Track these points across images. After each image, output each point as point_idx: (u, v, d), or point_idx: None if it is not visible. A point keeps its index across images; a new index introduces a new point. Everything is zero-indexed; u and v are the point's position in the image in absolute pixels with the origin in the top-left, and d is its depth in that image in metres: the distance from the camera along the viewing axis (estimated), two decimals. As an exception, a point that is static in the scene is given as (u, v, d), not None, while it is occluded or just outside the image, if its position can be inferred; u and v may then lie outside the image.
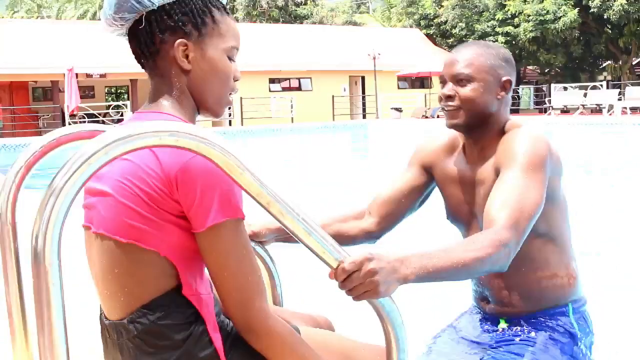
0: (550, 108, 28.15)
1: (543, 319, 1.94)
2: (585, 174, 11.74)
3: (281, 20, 42.25)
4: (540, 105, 32.39)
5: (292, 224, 1.24)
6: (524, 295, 1.93)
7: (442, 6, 35.28)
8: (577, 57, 34.34)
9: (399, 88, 33.34)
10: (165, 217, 1.26)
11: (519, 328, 1.95)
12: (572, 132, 21.79)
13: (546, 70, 36.40)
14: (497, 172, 1.81)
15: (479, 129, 1.89)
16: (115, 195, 1.29)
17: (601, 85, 28.56)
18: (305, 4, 43.18)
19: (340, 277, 1.24)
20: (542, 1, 31.72)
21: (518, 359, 1.87)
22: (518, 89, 35.14)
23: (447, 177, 2.02)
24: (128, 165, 1.27)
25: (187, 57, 1.38)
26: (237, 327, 1.30)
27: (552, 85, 30.34)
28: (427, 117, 29.12)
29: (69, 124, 22.58)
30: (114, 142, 1.09)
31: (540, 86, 35.75)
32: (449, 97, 1.87)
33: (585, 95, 27.15)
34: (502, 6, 33.32)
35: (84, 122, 23.78)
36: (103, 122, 22.49)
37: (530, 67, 37.89)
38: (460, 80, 1.85)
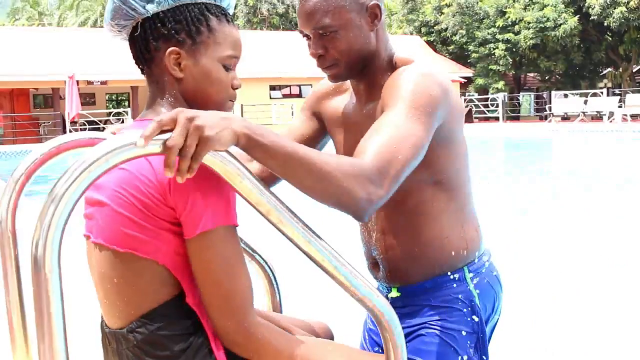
0: (551, 115, 28.18)
1: (437, 289, 1.69)
2: (586, 180, 11.73)
3: (282, 27, 42.33)
4: (541, 112, 32.41)
5: (292, 233, 1.24)
6: (411, 257, 1.69)
7: (442, 13, 35.35)
8: (578, 65, 34.37)
9: (399, 95, 33.32)
10: (161, 224, 1.26)
11: (410, 300, 1.71)
12: (573, 139, 21.79)
13: (546, 78, 36.43)
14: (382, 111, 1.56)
15: (364, 70, 1.66)
16: (112, 205, 1.29)
17: (601, 93, 28.61)
18: (306, 11, 43.20)
19: (153, 130, 1.09)
20: (543, 8, 31.78)
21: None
22: (518, 96, 35.19)
23: (335, 122, 1.80)
24: (123, 174, 1.27)
25: (179, 65, 1.38)
26: (220, 339, 1.28)
27: (553, 92, 30.39)
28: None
29: (70, 131, 22.61)
30: (115, 150, 1.10)
31: (540, 93, 35.78)
32: (321, 56, 1.61)
33: (585, 102, 27.19)
34: (502, 13, 33.37)
35: (85, 129, 23.82)
36: (104, 129, 22.45)
37: (530, 74, 37.92)
38: (324, 34, 1.58)
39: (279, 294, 1.86)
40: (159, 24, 1.37)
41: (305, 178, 1.24)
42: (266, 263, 1.83)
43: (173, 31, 1.37)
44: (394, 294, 1.75)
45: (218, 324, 1.26)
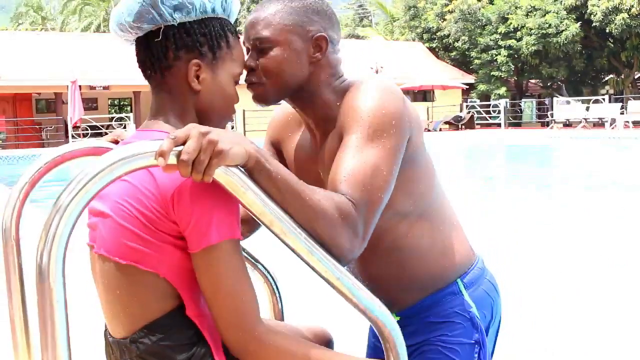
0: (553, 122, 28.18)
1: (434, 306, 1.68)
2: (587, 186, 11.73)
3: (284, 33, 42.33)
4: (543, 118, 32.41)
5: (295, 243, 1.24)
6: (401, 288, 1.68)
7: (445, 19, 35.36)
8: (580, 71, 34.38)
9: (401, 101, 33.33)
10: (163, 238, 1.26)
11: (410, 320, 1.70)
12: (575, 145, 21.78)
13: (548, 84, 36.44)
14: (341, 141, 1.47)
15: (300, 100, 1.57)
16: (114, 217, 1.29)
17: (603, 99, 28.62)
18: (308, 17, 43.27)
19: (169, 147, 1.11)
20: (545, 15, 31.80)
21: None
22: (520, 102, 35.19)
23: (294, 156, 1.71)
24: (126, 186, 1.27)
25: (197, 77, 1.38)
26: (231, 350, 1.28)
27: (555, 98, 30.39)
28: (429, 130, 29.12)
29: (72, 135, 22.64)
30: (119, 160, 1.10)
31: (542, 99, 35.78)
32: (251, 70, 1.52)
33: (587, 108, 27.19)
34: (504, 19, 33.40)
35: (87, 134, 23.85)
36: (106, 134, 22.47)
37: (532, 81, 37.94)
38: (260, 47, 1.51)
39: (280, 302, 1.86)
40: (184, 34, 1.36)
41: (298, 212, 1.26)
42: (268, 272, 1.83)
43: (198, 43, 1.37)
44: (395, 318, 1.75)
45: (229, 337, 1.26)
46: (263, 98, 1.56)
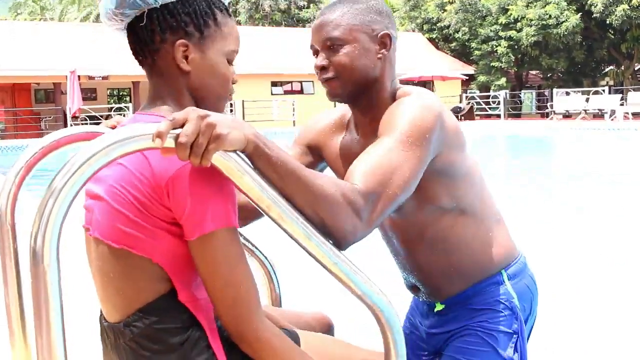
0: (552, 113, 28.17)
1: (478, 295, 1.75)
2: (586, 178, 11.73)
3: (284, 23, 42.29)
4: (543, 110, 32.40)
5: (292, 228, 1.24)
6: (448, 277, 1.76)
7: (445, 10, 35.28)
8: (580, 62, 34.33)
9: (401, 92, 33.32)
10: (156, 223, 1.25)
11: (453, 307, 1.78)
12: (574, 137, 21.78)
13: (548, 75, 36.39)
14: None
15: (365, 97, 1.67)
16: (109, 200, 1.28)
17: (603, 91, 28.60)
18: (308, 7, 43.21)
19: (167, 128, 1.11)
20: (545, 6, 31.71)
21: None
22: (520, 93, 35.17)
23: (338, 155, 1.79)
24: (121, 170, 1.27)
25: (186, 58, 1.36)
26: (230, 335, 1.28)
27: (554, 90, 30.36)
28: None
29: (71, 125, 22.60)
30: (114, 143, 1.10)
31: (542, 91, 35.74)
32: (323, 69, 1.63)
33: (587, 100, 27.16)
34: (505, 10, 33.31)
35: (86, 124, 23.76)
36: (105, 124, 22.45)
37: (532, 72, 37.89)
38: (331, 46, 1.61)
39: (278, 287, 1.86)
40: (167, 15, 1.35)
41: (299, 196, 1.27)
42: (266, 258, 1.83)
43: (182, 23, 1.35)
44: (439, 307, 1.82)
45: (227, 324, 1.26)
46: (338, 92, 1.64)
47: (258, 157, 1.21)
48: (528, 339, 1.84)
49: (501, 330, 1.72)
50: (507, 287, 1.75)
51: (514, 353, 1.72)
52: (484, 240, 1.75)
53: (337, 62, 1.61)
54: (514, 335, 1.73)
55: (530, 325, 1.84)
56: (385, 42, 1.64)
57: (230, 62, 1.43)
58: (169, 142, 1.12)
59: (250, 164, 1.21)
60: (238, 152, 1.19)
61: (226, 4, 1.44)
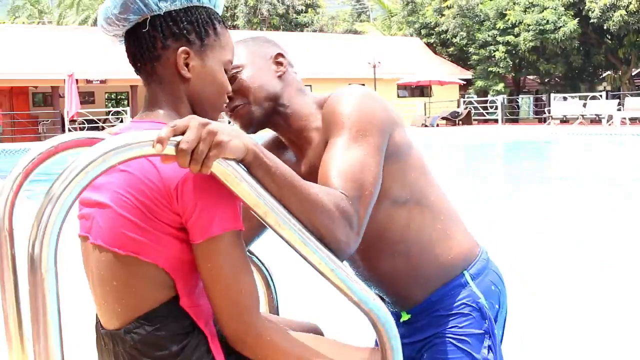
0: (550, 118, 28.20)
1: (443, 300, 1.72)
2: (584, 183, 11.75)
3: (282, 28, 42.33)
4: (540, 115, 32.44)
5: (289, 235, 1.24)
6: (410, 283, 1.72)
7: (443, 15, 35.37)
8: (577, 67, 34.40)
9: (398, 96, 33.38)
10: (164, 229, 1.26)
11: (420, 316, 1.74)
12: (571, 142, 21.81)
13: (546, 80, 36.45)
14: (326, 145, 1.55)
15: (280, 114, 1.68)
16: (115, 207, 1.28)
17: (600, 96, 28.64)
18: (306, 12, 43.26)
19: (167, 135, 1.11)
20: (543, 11, 31.80)
21: None
22: (518, 98, 35.22)
23: None
24: (128, 176, 1.27)
25: (187, 65, 1.38)
26: (228, 339, 1.29)
27: (552, 95, 30.41)
28: (426, 126, 29.14)
29: (69, 129, 22.60)
30: (112, 150, 1.10)
31: (539, 96, 35.79)
32: (231, 100, 1.64)
33: (584, 105, 27.21)
34: (502, 15, 33.39)
35: (84, 128, 23.81)
36: (103, 128, 22.51)
37: (530, 77, 37.94)
38: (232, 76, 1.64)
39: (276, 295, 1.86)
40: (170, 22, 1.36)
41: (296, 206, 1.27)
42: (263, 265, 1.83)
43: (185, 31, 1.37)
44: (405, 317, 1.79)
45: (227, 327, 1.27)
46: (249, 118, 1.66)
47: (257, 166, 1.22)
48: (503, 333, 1.82)
49: (472, 333, 1.69)
50: (471, 288, 1.72)
51: (489, 353, 1.70)
52: (442, 239, 1.71)
53: (239, 87, 1.64)
54: (486, 336, 1.70)
55: (502, 321, 1.81)
56: (279, 61, 1.71)
57: (226, 71, 1.45)
58: (169, 149, 1.12)
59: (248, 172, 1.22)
60: (237, 161, 1.20)
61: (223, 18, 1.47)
